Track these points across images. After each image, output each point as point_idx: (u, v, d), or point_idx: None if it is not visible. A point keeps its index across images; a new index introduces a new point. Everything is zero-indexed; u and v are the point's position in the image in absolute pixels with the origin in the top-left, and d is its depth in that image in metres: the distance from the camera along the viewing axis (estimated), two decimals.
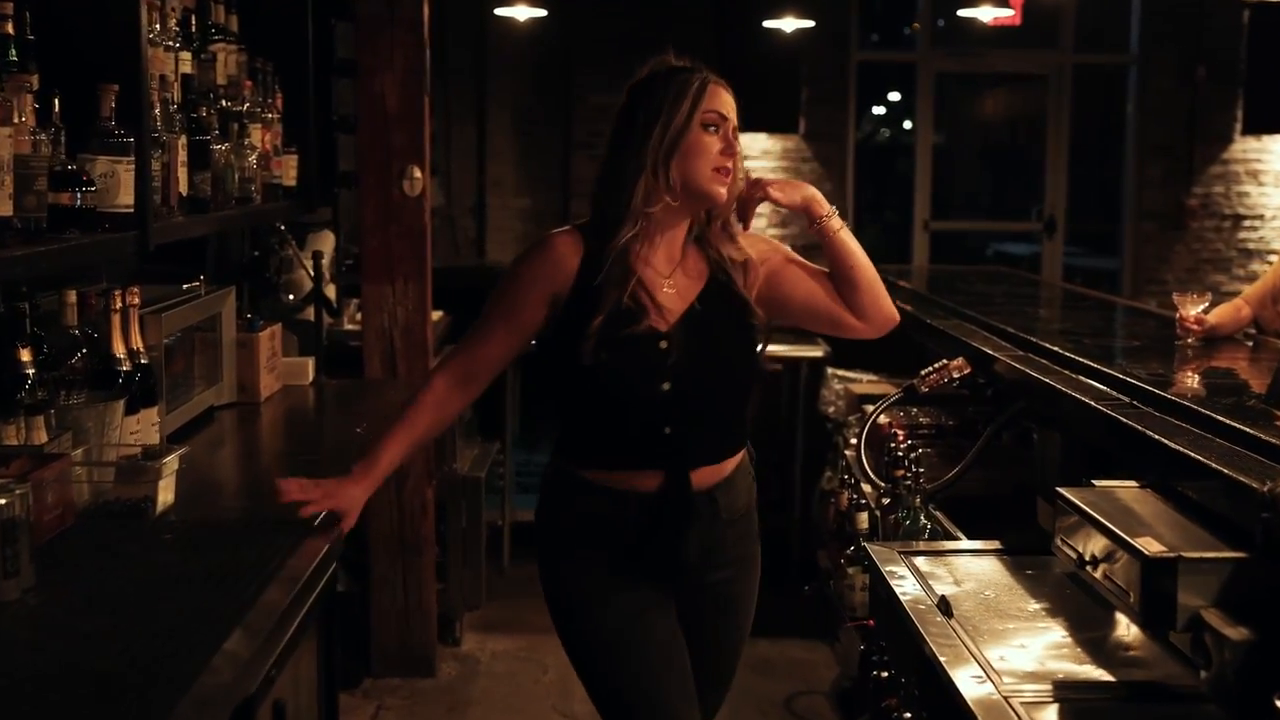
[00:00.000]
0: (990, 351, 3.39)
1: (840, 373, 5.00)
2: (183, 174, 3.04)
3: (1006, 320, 3.93)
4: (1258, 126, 9.02)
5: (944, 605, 2.37)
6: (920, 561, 2.66)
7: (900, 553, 2.71)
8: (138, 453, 2.56)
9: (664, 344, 2.39)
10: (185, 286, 3.40)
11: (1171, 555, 1.90)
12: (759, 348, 2.52)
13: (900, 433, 3.71)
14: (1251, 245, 9.21)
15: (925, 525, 2.99)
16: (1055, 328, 3.92)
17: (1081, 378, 2.99)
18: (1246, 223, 9.21)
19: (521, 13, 6.72)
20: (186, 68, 3.35)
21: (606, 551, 2.47)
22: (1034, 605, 2.43)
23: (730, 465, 2.51)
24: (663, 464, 2.43)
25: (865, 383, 4.83)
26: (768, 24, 7.49)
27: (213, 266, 4.19)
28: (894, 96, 10.38)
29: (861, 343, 5.42)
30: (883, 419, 3.68)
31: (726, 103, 2.44)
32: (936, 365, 3.43)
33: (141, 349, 2.81)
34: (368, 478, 2.46)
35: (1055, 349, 3.29)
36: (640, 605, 2.49)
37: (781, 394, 5.78)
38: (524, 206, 9.07)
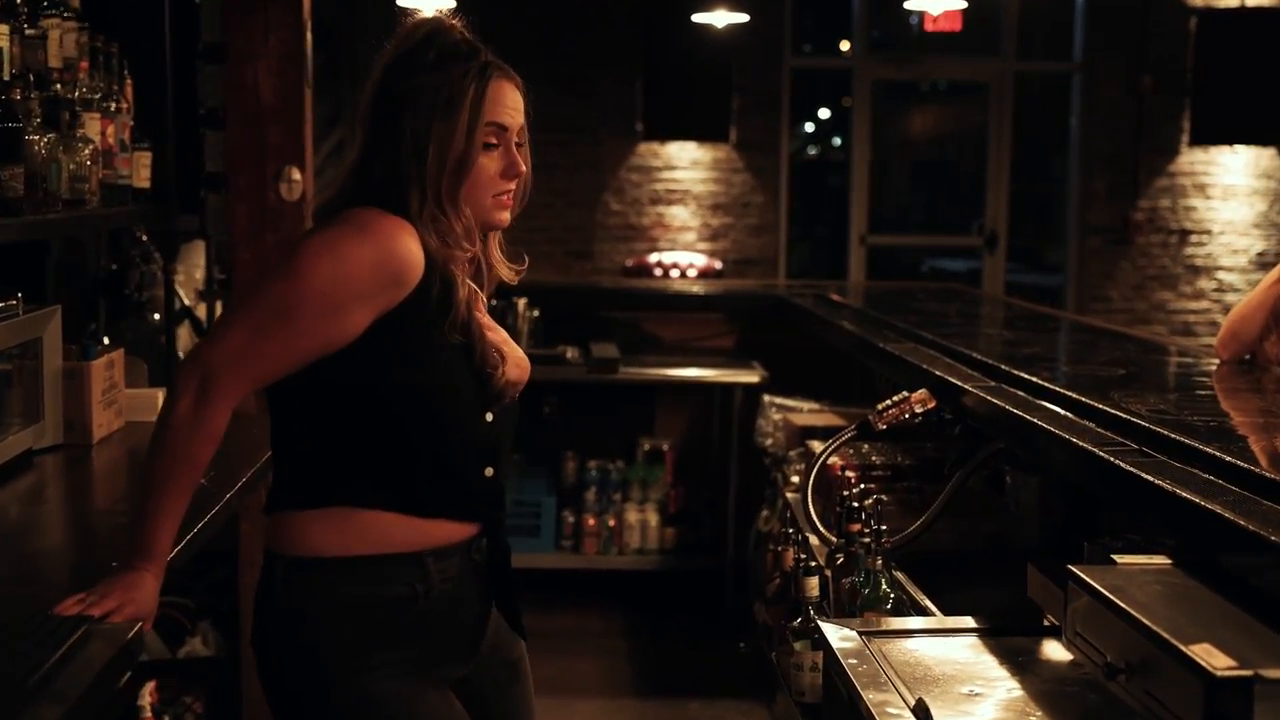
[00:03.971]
0: (957, 382, 2.89)
1: (779, 400, 4.49)
2: None
3: (968, 344, 3.44)
4: (1205, 138, 8.67)
5: (922, 711, 1.87)
6: (887, 646, 2.15)
7: (861, 634, 2.20)
8: None
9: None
10: None
11: (1246, 674, 1.40)
12: None
13: (851, 475, 3.21)
14: (1199, 262, 8.85)
15: (888, 594, 2.49)
16: (1025, 352, 3.44)
17: (1069, 414, 2.51)
18: (1194, 238, 8.85)
19: (427, 3, 6.19)
20: (4, 41, 2.80)
21: (412, 649, 1.94)
22: (1030, 707, 1.93)
23: None
24: (481, 515, 2.00)
25: (806, 412, 4.33)
26: (698, 18, 7.00)
27: (54, 282, 3.62)
28: (825, 110, 9.94)
29: (800, 366, 5.03)
30: (831, 459, 3.18)
31: (510, 104, 1.97)
32: (896, 399, 2.94)
33: None
34: (155, 564, 1.86)
35: (1032, 379, 2.80)
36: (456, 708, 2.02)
37: (713, 422, 5.28)
38: None
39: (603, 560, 5.12)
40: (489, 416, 1.98)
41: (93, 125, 3.09)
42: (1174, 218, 8.83)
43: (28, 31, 3.02)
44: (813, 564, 2.63)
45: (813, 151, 10.03)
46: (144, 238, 4.11)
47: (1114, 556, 1.82)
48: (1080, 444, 2.22)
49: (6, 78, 2.76)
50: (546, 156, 8.38)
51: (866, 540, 2.62)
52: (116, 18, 3.34)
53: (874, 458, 3.38)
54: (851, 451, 3.39)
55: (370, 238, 1.85)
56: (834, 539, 2.92)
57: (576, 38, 8.41)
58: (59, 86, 3.08)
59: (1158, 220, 8.82)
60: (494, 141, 1.94)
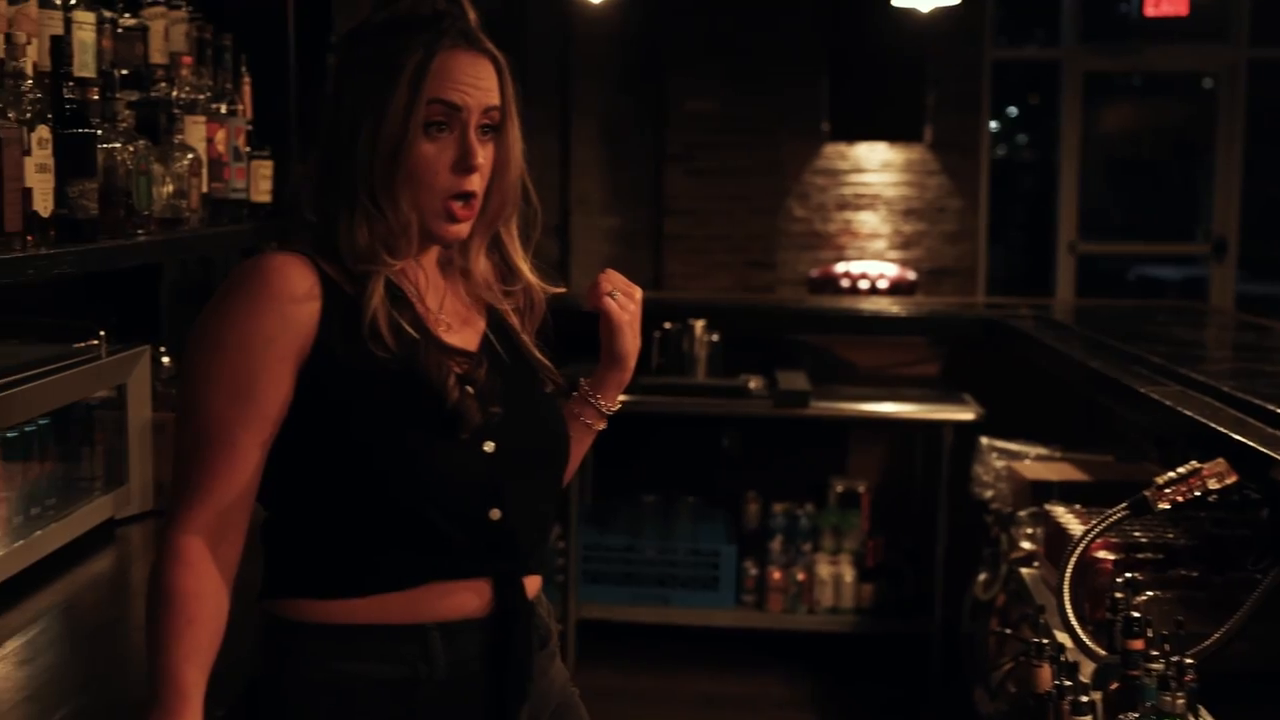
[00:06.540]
0: (1266, 451, 2.23)
1: (999, 444, 3.83)
2: (40, 181, 2.00)
3: (1249, 387, 2.77)
4: None
5: None
6: None
7: None
8: None
9: (470, 388, 1.60)
10: (79, 345, 2.38)
11: None
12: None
13: (1109, 557, 2.56)
14: None
15: None
16: None
17: None
18: None
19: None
20: (88, 34, 2.35)
21: None
22: None
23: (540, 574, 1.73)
24: (488, 569, 1.60)
25: (1034, 460, 3.66)
26: (900, 2, 6.32)
27: (168, 309, 3.19)
28: (1013, 107, 9.13)
29: (1018, 400, 4.36)
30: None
31: (466, 79, 1.58)
32: (1183, 471, 2.29)
33: None
34: (188, 710, 1.44)
35: None
36: None
37: (916, 464, 4.62)
38: (612, 226, 8.05)
39: (790, 619, 4.51)
40: (488, 447, 1.58)
41: (196, 131, 2.63)
42: None
43: (125, 22, 2.59)
44: (1084, 699, 1.99)
45: (1000, 152, 9.23)
46: None
47: None
48: None
49: (90, 75, 2.31)
50: (724, 160, 7.83)
51: (1158, 666, 1.97)
52: (232, 6, 2.89)
53: (1136, 533, 2.71)
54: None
55: (241, 286, 1.54)
56: (1100, 651, 2.29)
57: (756, 33, 7.82)
58: (164, 85, 2.64)
59: None
60: (441, 121, 1.56)
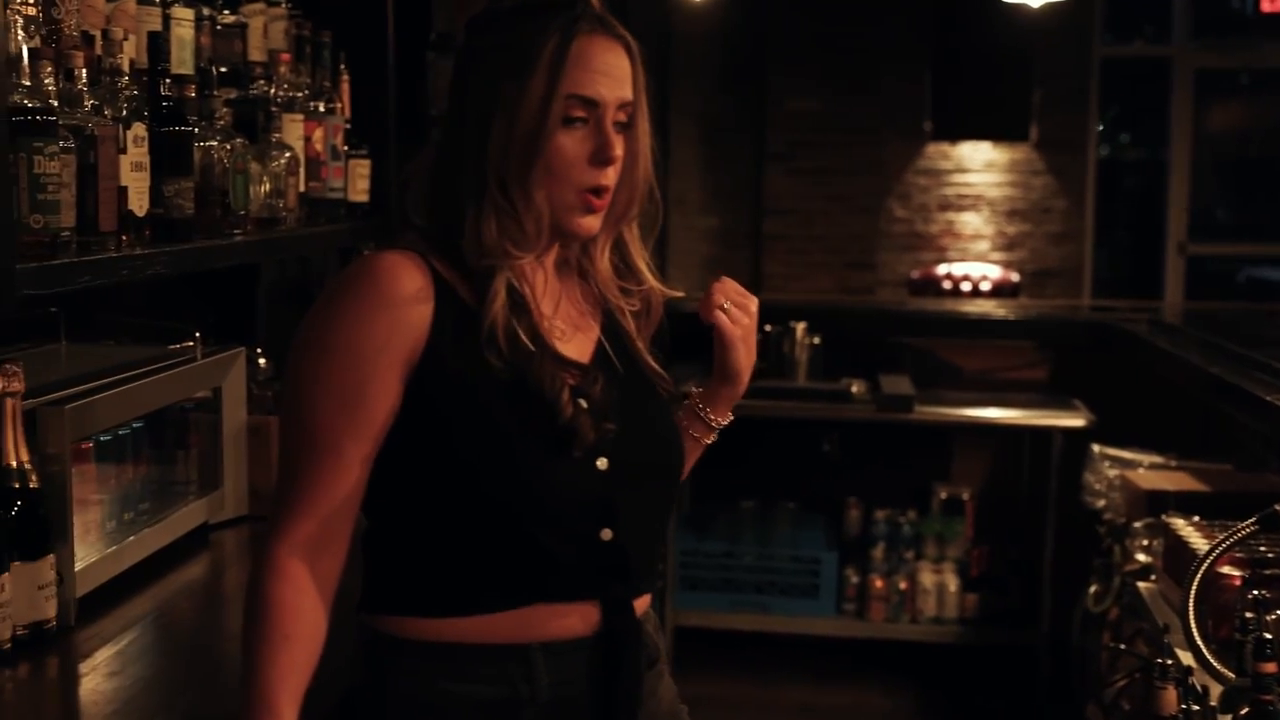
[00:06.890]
0: None
1: (1111, 451, 3.69)
2: (135, 181, 1.98)
3: None
4: None
5: None
6: None
7: None
8: None
9: (584, 402, 1.52)
10: (175, 346, 2.36)
11: None
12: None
13: (1234, 573, 2.43)
14: None
15: None
16: None
17: None
18: None
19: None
20: (186, 30, 2.33)
21: None
22: None
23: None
24: (598, 591, 1.53)
25: (1149, 469, 3.52)
26: None
27: (266, 308, 3.17)
28: (1116, 105, 8.89)
29: (1130, 406, 4.22)
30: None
31: (602, 68, 1.50)
32: None
33: (28, 465, 1.76)
34: None
35: None
36: None
37: (1023, 471, 4.50)
38: (711, 226, 7.97)
39: (892, 629, 4.41)
40: (601, 463, 1.50)
41: (293, 129, 2.60)
42: None
43: (223, 19, 2.57)
44: None
45: (1104, 151, 8.99)
46: None
47: None
48: None
49: (188, 72, 2.29)
50: (825, 160, 7.72)
51: None
52: (331, 3, 2.86)
53: (1262, 548, 2.57)
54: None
55: (350, 289, 1.47)
56: (1228, 673, 2.17)
57: (859, 31, 7.69)
58: (262, 83, 2.62)
59: None
60: (580, 115, 1.48)
